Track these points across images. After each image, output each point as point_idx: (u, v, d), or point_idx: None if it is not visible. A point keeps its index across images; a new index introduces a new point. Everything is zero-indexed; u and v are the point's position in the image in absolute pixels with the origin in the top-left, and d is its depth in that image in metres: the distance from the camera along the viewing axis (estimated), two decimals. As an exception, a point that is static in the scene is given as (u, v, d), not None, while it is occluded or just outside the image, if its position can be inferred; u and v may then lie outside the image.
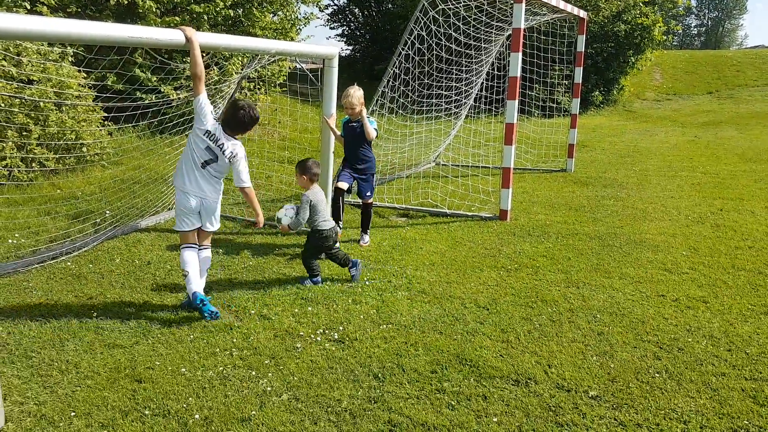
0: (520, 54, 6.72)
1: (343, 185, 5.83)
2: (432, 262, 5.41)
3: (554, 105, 17.49)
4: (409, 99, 8.47)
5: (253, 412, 3.08)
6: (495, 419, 3.09)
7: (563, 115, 16.59)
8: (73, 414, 3.02)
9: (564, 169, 10.34)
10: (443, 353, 3.74)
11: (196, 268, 4.19)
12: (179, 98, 8.89)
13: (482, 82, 9.55)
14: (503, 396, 3.30)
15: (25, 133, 6.96)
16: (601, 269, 5.26)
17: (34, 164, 7.24)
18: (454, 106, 9.19)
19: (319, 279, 4.85)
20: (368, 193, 6.00)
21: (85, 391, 3.22)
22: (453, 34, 8.19)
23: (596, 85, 21.64)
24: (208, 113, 4.10)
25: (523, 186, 9.05)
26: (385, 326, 4.10)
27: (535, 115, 16.03)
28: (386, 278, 4.97)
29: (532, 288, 4.80)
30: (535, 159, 11.38)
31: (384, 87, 7.55)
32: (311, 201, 4.74)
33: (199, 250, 4.31)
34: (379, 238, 6.14)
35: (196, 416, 3.03)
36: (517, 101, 6.72)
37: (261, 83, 11.01)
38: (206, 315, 4.06)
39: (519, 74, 6.76)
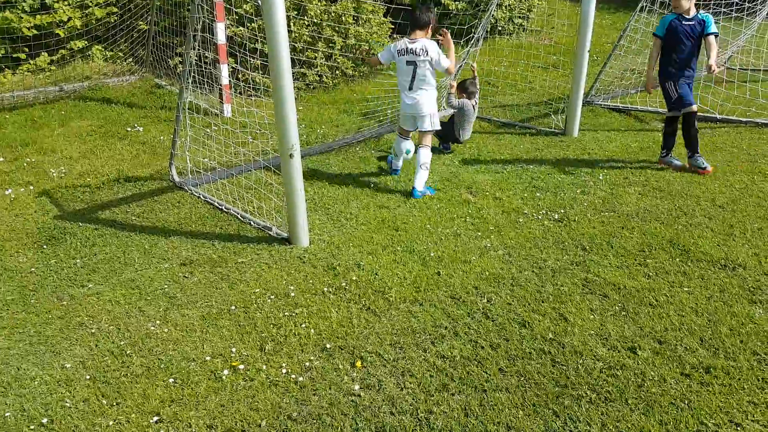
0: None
1: (695, 106, 5.61)
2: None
3: None
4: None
5: (473, 258, 4.18)
6: (686, 289, 3.62)
7: None
8: (351, 245, 4.52)
9: None
10: (657, 238, 4.25)
11: None
12: (457, 7, 10.00)
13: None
14: (704, 275, 3.75)
15: (331, 44, 8.96)
16: None
17: (337, 71, 9.27)
18: (749, 2, 8.32)
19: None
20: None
21: (360, 232, 4.71)
22: None
23: None
24: None
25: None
26: (606, 213, 4.73)
27: None
28: (623, 176, 5.46)
29: (787, 192, 4.76)
30: None
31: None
32: (464, 108, 6.14)
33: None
34: (629, 140, 6.50)
35: (432, 254, 4.26)
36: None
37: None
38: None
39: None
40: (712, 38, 5.52)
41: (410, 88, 5.29)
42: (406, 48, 5.23)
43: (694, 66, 5.63)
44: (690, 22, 5.51)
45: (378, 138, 7.08)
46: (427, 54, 5.18)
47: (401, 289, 3.83)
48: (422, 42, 5.20)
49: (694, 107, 5.54)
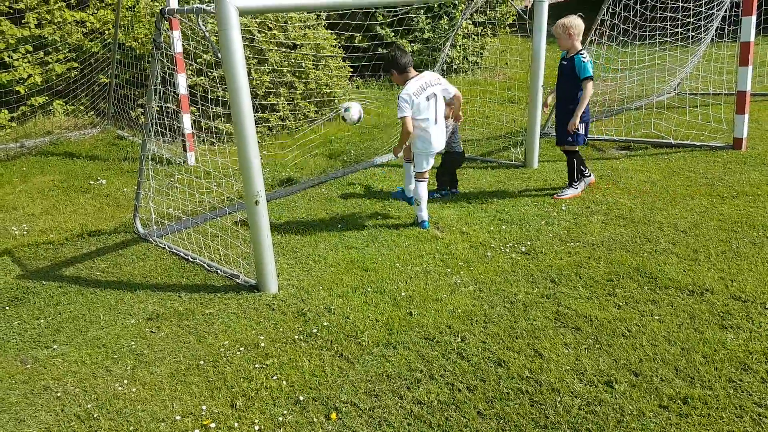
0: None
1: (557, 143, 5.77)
2: (639, 191, 5.66)
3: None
4: (633, 24, 8.25)
5: (444, 296, 4.06)
6: (657, 318, 3.54)
7: None
8: (320, 288, 4.36)
9: None
10: (623, 266, 4.20)
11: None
12: (413, 48, 10.08)
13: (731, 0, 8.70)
14: (673, 302, 3.69)
15: (292, 90, 8.91)
16: None
17: (299, 115, 9.21)
18: (693, 30, 8.59)
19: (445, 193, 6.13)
20: (568, 138, 5.58)
21: (329, 274, 4.56)
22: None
23: None
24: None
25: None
26: (572, 244, 4.67)
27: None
28: (585, 205, 5.45)
29: (744, 214, 4.80)
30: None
31: (604, 15, 7.59)
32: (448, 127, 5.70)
33: None
34: (589, 169, 6.52)
35: (403, 294, 4.12)
36: (754, 17, 6.25)
37: (489, 25, 11.66)
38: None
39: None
40: (586, 84, 5.36)
41: (436, 122, 5.13)
42: (422, 85, 5.02)
43: (572, 104, 5.51)
44: (565, 61, 5.52)
45: (344, 176, 7.00)
46: (440, 82, 5.12)
47: (373, 332, 3.68)
48: (429, 73, 5.14)
49: (557, 144, 5.82)
